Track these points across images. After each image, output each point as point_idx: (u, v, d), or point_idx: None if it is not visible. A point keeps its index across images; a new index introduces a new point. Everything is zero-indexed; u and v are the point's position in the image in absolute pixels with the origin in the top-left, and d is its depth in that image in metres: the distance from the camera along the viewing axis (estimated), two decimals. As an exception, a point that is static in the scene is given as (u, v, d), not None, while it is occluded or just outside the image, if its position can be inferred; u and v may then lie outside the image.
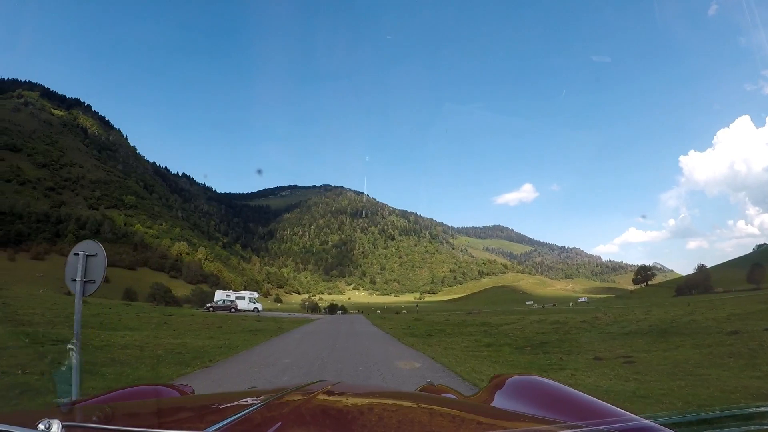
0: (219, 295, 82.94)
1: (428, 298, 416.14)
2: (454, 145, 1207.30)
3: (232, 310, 69.25)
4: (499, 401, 2.21)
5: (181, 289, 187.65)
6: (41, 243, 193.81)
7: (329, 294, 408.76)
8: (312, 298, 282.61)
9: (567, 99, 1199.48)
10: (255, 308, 77.17)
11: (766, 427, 1.32)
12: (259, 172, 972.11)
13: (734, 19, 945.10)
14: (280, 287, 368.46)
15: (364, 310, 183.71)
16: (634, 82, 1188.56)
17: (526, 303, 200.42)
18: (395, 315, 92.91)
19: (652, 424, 1.39)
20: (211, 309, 68.40)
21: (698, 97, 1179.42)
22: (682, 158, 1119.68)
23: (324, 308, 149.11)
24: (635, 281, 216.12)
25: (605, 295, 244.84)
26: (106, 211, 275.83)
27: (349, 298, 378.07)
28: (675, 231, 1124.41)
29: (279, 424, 1.36)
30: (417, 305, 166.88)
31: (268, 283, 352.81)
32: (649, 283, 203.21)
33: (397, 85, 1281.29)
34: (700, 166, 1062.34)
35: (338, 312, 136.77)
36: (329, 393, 2.00)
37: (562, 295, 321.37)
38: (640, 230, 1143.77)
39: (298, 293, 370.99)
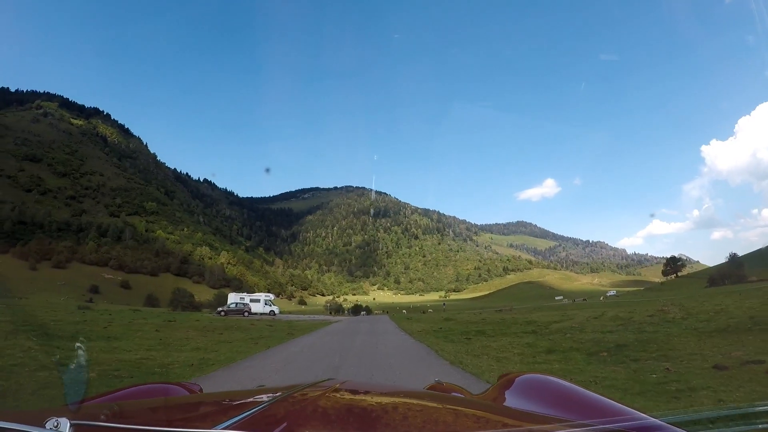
0: (232, 298, 77.15)
1: (453, 296, 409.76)
2: (473, 143, 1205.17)
3: (246, 313, 63.35)
4: (508, 400, 2.22)
5: (204, 293, 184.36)
6: (62, 251, 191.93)
7: (354, 295, 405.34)
8: (336, 299, 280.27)
9: (585, 93, 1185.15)
10: (271, 311, 72.70)
11: None
12: (267, 170, 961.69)
13: (752, 5, 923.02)
14: (304, 289, 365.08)
15: (388, 310, 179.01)
16: (653, 73, 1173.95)
17: (556, 298, 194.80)
18: (422, 315, 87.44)
19: (661, 422, 1.39)
20: (222, 313, 62.84)
21: (718, 85, 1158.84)
22: (704, 148, 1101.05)
23: (348, 309, 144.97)
24: (665, 273, 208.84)
25: (634, 288, 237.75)
26: (127, 218, 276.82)
27: (374, 299, 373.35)
28: (699, 222, 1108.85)
29: (287, 421, 1.36)
30: (444, 303, 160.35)
31: (292, 285, 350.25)
32: (679, 274, 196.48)
33: (410, 84, 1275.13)
34: (723, 155, 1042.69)
35: (362, 313, 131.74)
36: (338, 391, 1.99)
37: (588, 289, 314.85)
38: (664, 222, 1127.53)
39: (323, 295, 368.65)
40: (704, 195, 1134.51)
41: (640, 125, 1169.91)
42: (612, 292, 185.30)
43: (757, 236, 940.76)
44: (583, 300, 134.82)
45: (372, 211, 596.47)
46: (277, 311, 74.53)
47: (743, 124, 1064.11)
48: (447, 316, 58.45)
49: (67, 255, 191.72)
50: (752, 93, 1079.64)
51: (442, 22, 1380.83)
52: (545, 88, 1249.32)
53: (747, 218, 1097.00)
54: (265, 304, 74.74)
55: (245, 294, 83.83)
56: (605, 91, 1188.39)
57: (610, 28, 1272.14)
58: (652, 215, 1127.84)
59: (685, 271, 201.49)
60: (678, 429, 1.34)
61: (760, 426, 1.28)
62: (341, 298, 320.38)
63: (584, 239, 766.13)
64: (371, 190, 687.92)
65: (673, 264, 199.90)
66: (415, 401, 1.97)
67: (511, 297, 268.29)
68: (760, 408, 1.39)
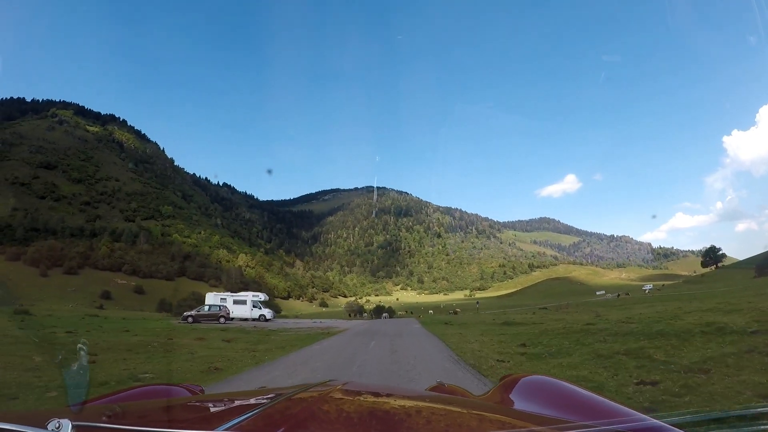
0: (210, 299, 62.10)
1: (479, 294, 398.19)
2: (492, 141, 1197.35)
3: (222, 319, 50.48)
4: (511, 401, 2.21)
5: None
6: (74, 257, 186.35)
7: (376, 295, 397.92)
8: (358, 300, 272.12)
9: (603, 88, 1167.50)
10: (261, 315, 59.93)
11: None
12: (269, 171, 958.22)
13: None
14: (326, 291, 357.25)
15: (413, 310, 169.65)
16: (671, 65, 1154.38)
17: (597, 293, 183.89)
18: (454, 316, 74.72)
19: (662, 423, 1.38)
20: (189, 319, 49.37)
21: (737, 75, 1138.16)
22: (725, 138, 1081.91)
23: (370, 311, 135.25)
24: (704, 264, 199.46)
25: (670, 282, 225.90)
26: (143, 222, 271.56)
27: (397, 299, 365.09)
28: (722, 214, 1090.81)
29: (289, 422, 1.37)
30: (478, 302, 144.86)
31: (313, 287, 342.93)
32: (720, 265, 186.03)
33: (427, 83, 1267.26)
34: (745, 146, 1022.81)
35: (383, 315, 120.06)
36: (340, 392, 1.99)
37: (619, 284, 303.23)
38: (687, 215, 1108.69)
39: (344, 296, 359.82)
40: (727, 187, 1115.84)
41: (660, 119, 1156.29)
42: (648, 286, 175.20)
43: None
44: (626, 294, 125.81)
45: (374, 212, 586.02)
46: (269, 315, 61.26)
47: (765, 113, 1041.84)
48: (500, 317, 45.22)
49: (79, 261, 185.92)
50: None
51: (452, 22, 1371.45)
52: (562, 84, 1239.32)
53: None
54: (253, 306, 61.63)
55: (228, 293, 67.60)
56: (623, 85, 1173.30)
57: (628, 21, 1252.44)
58: (654, 216, 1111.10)
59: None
60: (679, 431, 1.33)
61: (761, 427, 1.29)
62: (363, 299, 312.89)
63: (608, 234, 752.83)
64: (390, 190, 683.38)
65: (713, 254, 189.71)
66: (417, 403, 1.98)
67: (542, 294, 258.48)
68: (761, 409, 1.43)
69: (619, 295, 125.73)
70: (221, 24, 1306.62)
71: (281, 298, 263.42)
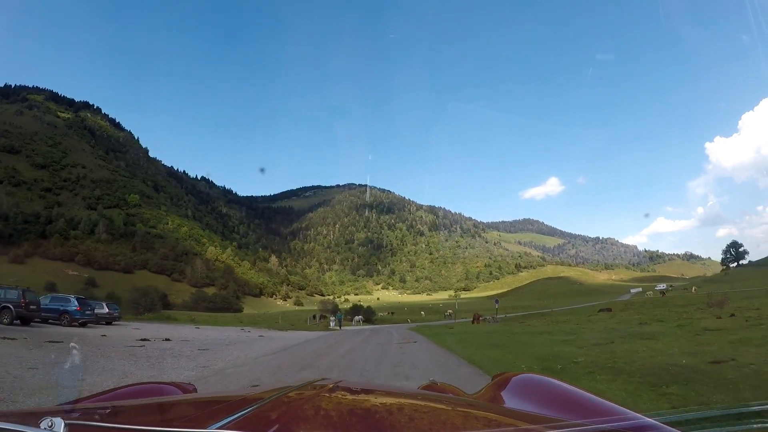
0: None
1: (464, 295, 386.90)
2: (475, 143, 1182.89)
3: None
4: (503, 400, 2.21)
5: (182, 292, 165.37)
6: (22, 245, 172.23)
7: (356, 294, 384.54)
8: (336, 299, 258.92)
9: (586, 91, 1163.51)
10: None
11: (767, 425, 1.30)
12: (262, 170, 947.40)
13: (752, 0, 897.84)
14: (302, 289, 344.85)
15: (396, 311, 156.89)
16: (654, 70, 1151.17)
17: (632, 291, 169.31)
18: (472, 327, 48.00)
19: (655, 422, 1.38)
20: None
21: (720, 81, 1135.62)
22: (707, 145, 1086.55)
23: (346, 311, 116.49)
24: (724, 262, 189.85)
25: (681, 283, 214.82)
26: (105, 210, 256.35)
27: (378, 299, 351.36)
28: (704, 219, 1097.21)
29: (282, 421, 1.35)
30: (497, 301, 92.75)
31: (288, 284, 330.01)
32: (741, 263, 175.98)
33: (411, 83, 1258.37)
34: (727, 152, 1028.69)
35: (356, 319, 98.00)
36: (333, 391, 1.97)
37: (612, 284, 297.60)
38: (669, 219, 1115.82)
39: (322, 295, 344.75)
40: (709, 192, 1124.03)
41: (642, 123, 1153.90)
42: (662, 286, 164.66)
43: (762, 233, 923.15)
44: (663, 294, 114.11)
45: (368, 210, 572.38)
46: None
47: (747, 120, 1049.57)
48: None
49: (27, 249, 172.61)
50: (754, 87, 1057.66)
51: (440, 21, 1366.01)
52: (545, 87, 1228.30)
53: (752, 215, 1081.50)
54: None
55: None
56: (607, 89, 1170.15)
57: (610, 26, 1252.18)
58: (647, 215, 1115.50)
59: (696, 270, 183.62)
60: (672, 429, 1.33)
61: (754, 426, 1.27)
62: (342, 298, 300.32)
63: (593, 236, 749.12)
64: (372, 187, 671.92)
65: (735, 251, 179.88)
66: (410, 401, 1.97)
67: (540, 294, 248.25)
68: (754, 408, 1.40)
69: (663, 293, 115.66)
70: (206, 17, 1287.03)
71: (253, 295, 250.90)
